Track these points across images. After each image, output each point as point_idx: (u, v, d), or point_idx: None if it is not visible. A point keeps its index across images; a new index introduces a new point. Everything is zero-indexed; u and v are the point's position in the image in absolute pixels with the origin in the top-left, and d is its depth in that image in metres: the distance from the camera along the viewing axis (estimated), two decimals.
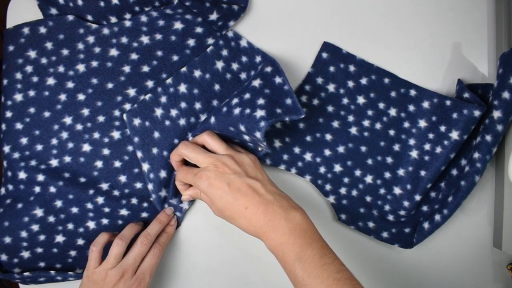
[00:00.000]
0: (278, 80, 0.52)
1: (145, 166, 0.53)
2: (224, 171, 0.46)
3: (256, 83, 0.50)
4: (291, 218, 0.44)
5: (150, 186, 0.54)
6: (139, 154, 0.53)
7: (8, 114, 0.53)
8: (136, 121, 0.53)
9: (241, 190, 0.46)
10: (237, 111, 0.48)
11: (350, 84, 0.56)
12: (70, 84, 0.54)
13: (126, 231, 0.52)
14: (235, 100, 0.49)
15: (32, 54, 0.54)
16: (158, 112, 0.54)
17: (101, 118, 0.55)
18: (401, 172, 0.56)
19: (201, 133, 0.52)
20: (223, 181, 0.46)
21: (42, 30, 0.54)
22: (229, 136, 0.51)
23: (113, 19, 0.54)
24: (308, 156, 0.56)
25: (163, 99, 0.54)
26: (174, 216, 0.55)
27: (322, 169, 0.56)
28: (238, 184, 0.46)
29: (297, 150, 0.56)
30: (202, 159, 0.49)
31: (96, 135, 0.55)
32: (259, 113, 0.46)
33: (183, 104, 0.54)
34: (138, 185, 0.55)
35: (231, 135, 0.50)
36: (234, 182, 0.46)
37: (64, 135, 0.54)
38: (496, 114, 0.50)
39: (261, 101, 0.48)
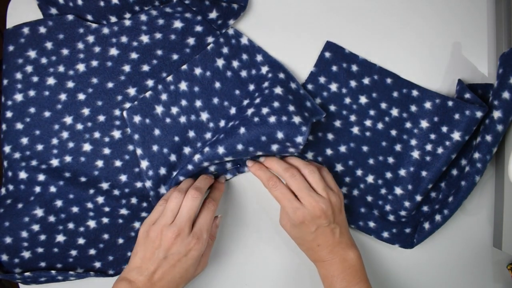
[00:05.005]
0: (293, 85, 0.53)
1: (144, 163, 0.53)
2: (319, 216, 0.49)
3: (279, 90, 0.51)
4: (349, 258, 0.50)
5: (148, 184, 0.54)
6: (139, 151, 0.53)
7: (9, 114, 0.53)
8: (137, 118, 0.53)
9: (324, 233, 0.50)
10: (273, 119, 0.48)
11: (353, 83, 0.56)
12: (70, 84, 0.54)
13: (200, 183, 0.51)
14: (266, 110, 0.50)
15: (32, 54, 0.53)
16: (159, 109, 0.54)
17: (101, 118, 0.54)
18: (402, 172, 0.56)
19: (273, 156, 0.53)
20: (314, 224, 0.50)
21: (42, 30, 0.53)
22: (249, 150, 0.50)
23: (113, 19, 0.54)
24: (309, 155, 0.56)
25: (164, 96, 0.54)
26: (223, 174, 0.56)
27: None
28: (324, 229, 0.50)
29: None
30: (309, 198, 0.49)
31: (97, 134, 0.54)
32: (296, 119, 0.49)
33: (183, 102, 0.54)
34: (139, 184, 0.55)
35: (256, 147, 0.50)
36: (321, 228, 0.50)
37: (65, 134, 0.54)
38: (496, 114, 0.51)
39: (292, 108, 0.50)
